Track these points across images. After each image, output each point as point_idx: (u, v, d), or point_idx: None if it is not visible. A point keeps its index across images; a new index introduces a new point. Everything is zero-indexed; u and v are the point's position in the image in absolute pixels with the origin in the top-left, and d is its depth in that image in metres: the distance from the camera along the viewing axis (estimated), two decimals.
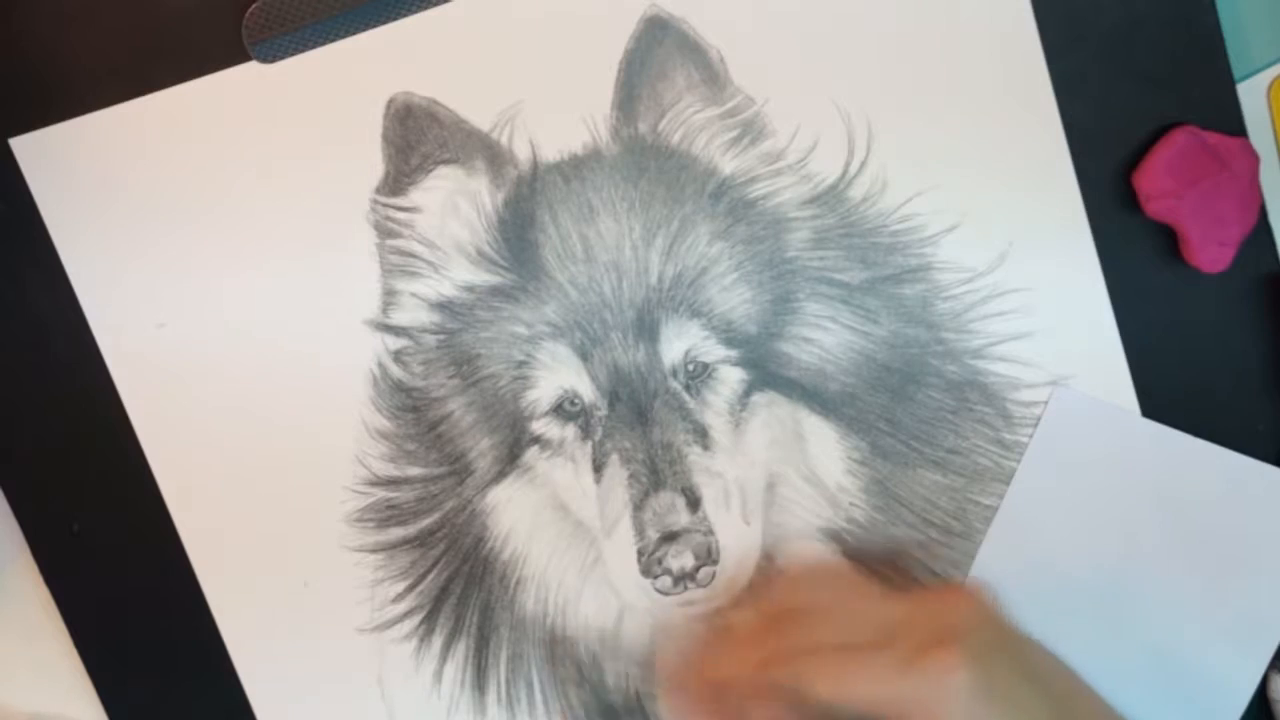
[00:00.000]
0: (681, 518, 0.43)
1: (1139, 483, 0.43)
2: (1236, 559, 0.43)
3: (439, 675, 0.47)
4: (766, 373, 0.44)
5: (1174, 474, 0.43)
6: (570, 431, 0.44)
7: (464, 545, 0.46)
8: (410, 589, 0.46)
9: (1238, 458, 0.43)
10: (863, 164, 0.43)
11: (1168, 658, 0.43)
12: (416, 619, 0.46)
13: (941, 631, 0.36)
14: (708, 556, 0.44)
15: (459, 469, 0.45)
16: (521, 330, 0.44)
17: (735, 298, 0.43)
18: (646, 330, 0.43)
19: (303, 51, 0.43)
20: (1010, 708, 0.34)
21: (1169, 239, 0.42)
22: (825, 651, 0.37)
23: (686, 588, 0.44)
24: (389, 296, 0.45)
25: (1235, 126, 0.42)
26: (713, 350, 0.43)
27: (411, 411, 0.45)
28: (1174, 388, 0.43)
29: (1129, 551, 0.43)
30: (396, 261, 0.44)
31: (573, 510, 0.45)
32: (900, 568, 0.43)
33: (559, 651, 0.46)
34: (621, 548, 0.44)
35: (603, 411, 0.44)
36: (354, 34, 0.43)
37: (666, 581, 0.44)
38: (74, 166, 0.45)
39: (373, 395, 0.45)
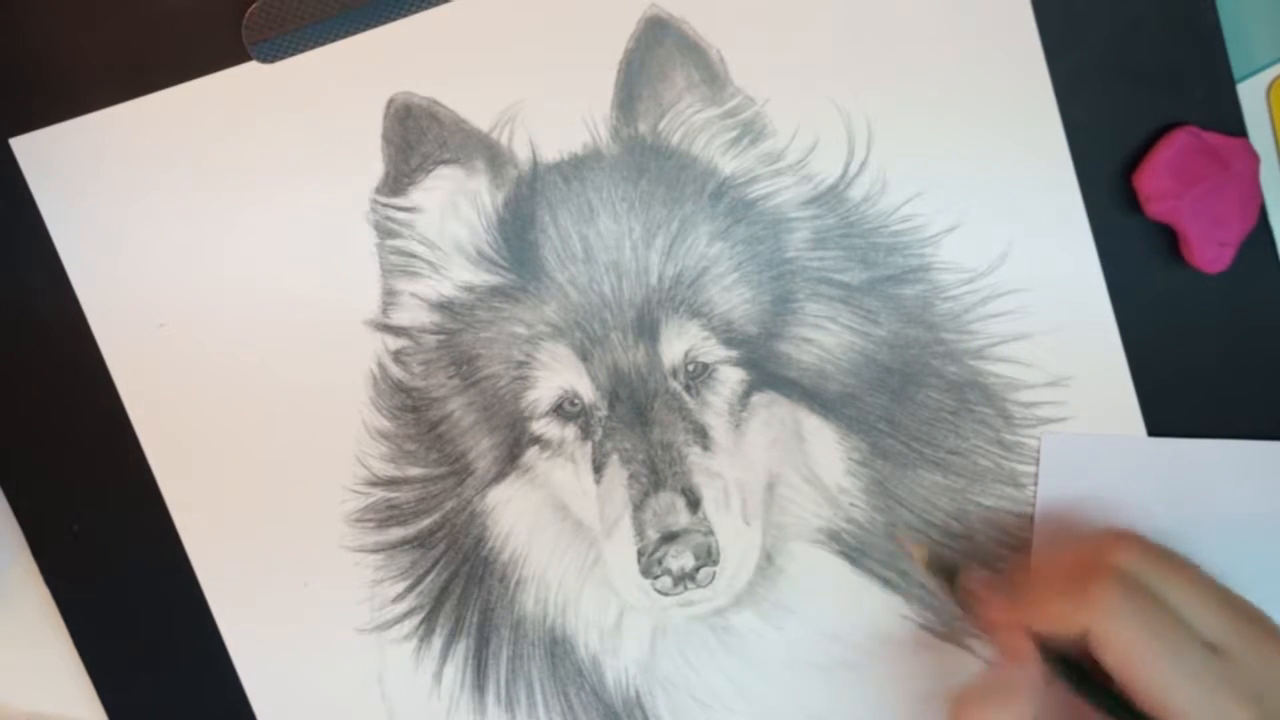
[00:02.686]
0: (681, 518, 0.43)
1: (1150, 499, 0.43)
2: (1261, 541, 0.43)
3: (439, 675, 0.47)
4: (766, 373, 0.44)
5: (1180, 479, 0.43)
6: (570, 432, 0.44)
7: (464, 545, 0.46)
8: (410, 589, 0.46)
9: (1238, 444, 0.43)
10: (863, 164, 0.43)
11: None
12: (416, 619, 0.46)
13: (1097, 566, 0.38)
14: (708, 557, 0.44)
15: (459, 469, 0.45)
16: (521, 330, 0.44)
17: (735, 298, 0.43)
18: (646, 330, 0.43)
19: (303, 51, 0.43)
20: (1164, 609, 0.37)
21: (1169, 239, 0.42)
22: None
23: (686, 588, 0.44)
24: (389, 296, 0.45)
25: (1235, 126, 0.42)
26: (713, 350, 0.43)
27: (411, 411, 0.45)
28: (1174, 388, 0.43)
29: None
30: (396, 261, 0.44)
31: (573, 510, 0.45)
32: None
33: (559, 651, 0.46)
34: (621, 548, 0.44)
35: (603, 412, 0.44)
36: (354, 34, 0.43)
37: (666, 582, 0.44)
38: (74, 166, 0.45)
39: (373, 395, 0.45)
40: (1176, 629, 0.36)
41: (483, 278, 0.44)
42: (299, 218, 0.45)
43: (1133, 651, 0.36)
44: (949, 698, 0.40)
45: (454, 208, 0.44)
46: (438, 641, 0.46)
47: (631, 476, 0.44)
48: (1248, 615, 0.38)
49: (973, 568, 0.43)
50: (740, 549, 0.44)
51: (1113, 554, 0.39)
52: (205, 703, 0.48)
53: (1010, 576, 0.41)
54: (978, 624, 0.42)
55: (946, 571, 0.43)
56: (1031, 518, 0.44)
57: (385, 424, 0.45)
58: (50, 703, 0.49)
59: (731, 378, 0.44)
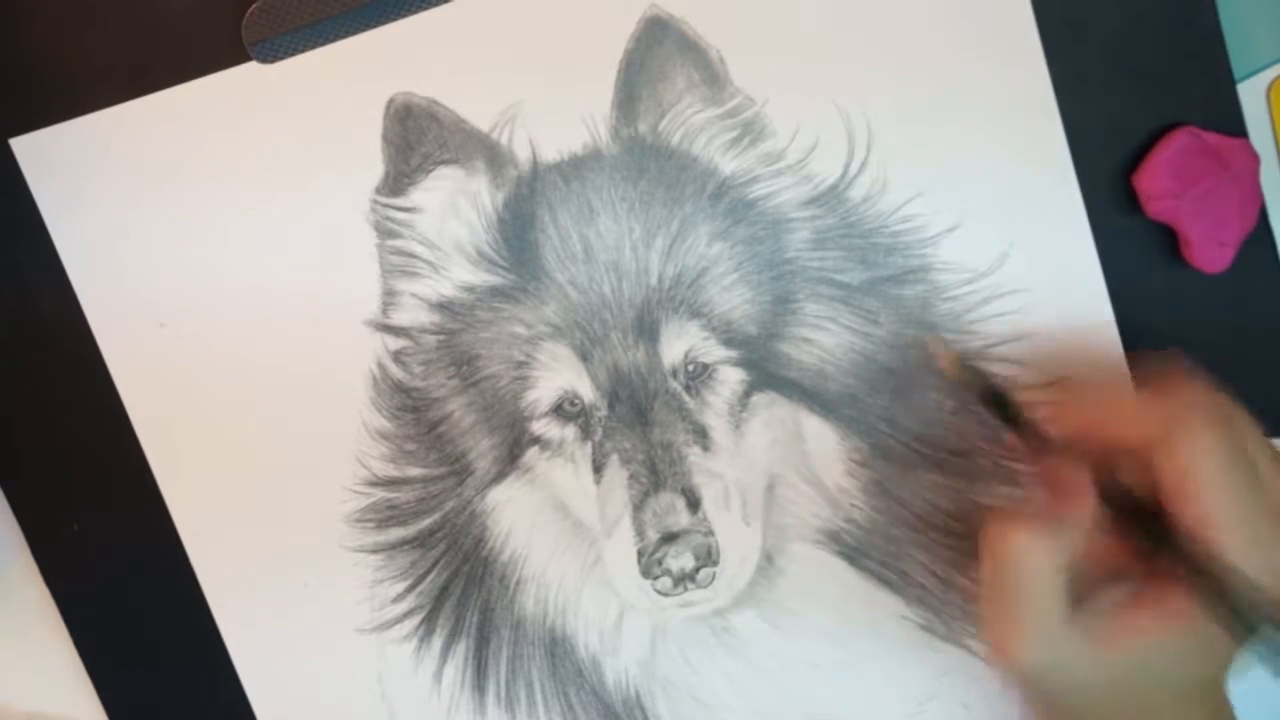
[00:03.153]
0: (681, 519, 0.43)
1: None
2: None
3: (439, 675, 0.47)
4: (766, 373, 0.44)
5: None
6: (570, 432, 0.44)
7: (464, 546, 0.46)
8: (410, 589, 0.46)
9: None
10: (863, 164, 0.43)
11: None
12: (416, 619, 0.46)
13: (1188, 389, 0.37)
14: (708, 557, 0.44)
15: (459, 469, 0.45)
16: (521, 330, 0.44)
17: (735, 298, 0.43)
18: (646, 330, 0.43)
19: (303, 51, 0.43)
20: (1248, 447, 0.36)
21: (1169, 239, 0.42)
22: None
23: (686, 588, 0.44)
24: (389, 297, 0.45)
25: (1235, 126, 0.42)
26: (713, 351, 0.43)
27: (411, 412, 0.45)
28: None
29: None
30: (396, 262, 0.44)
31: (573, 511, 0.45)
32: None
33: (559, 652, 0.46)
34: (621, 548, 0.44)
35: (603, 412, 0.44)
36: (354, 34, 0.43)
37: (666, 582, 0.44)
38: (74, 166, 0.45)
39: (373, 396, 0.45)
40: (1255, 469, 0.35)
41: (483, 278, 0.44)
42: (299, 218, 0.45)
43: (1212, 473, 0.34)
44: (989, 520, 0.38)
45: (454, 208, 0.44)
46: (438, 641, 0.46)
47: (631, 477, 0.44)
48: None
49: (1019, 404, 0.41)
50: (740, 549, 0.44)
51: (1202, 393, 0.37)
52: (205, 703, 0.48)
53: (1068, 396, 0.39)
54: (1025, 448, 0.40)
55: (980, 384, 0.41)
56: None
57: (385, 424, 0.45)
58: (50, 703, 0.49)
59: (731, 378, 0.44)
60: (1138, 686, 0.36)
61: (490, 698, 0.47)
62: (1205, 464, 0.35)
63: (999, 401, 0.40)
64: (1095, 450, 0.37)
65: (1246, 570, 0.34)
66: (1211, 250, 0.42)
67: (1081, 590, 0.36)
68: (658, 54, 0.42)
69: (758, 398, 0.44)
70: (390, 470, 0.46)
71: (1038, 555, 0.36)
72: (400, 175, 0.44)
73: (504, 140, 0.43)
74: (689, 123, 0.43)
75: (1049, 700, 0.38)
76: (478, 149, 0.43)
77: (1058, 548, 0.36)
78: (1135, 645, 0.35)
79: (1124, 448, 0.37)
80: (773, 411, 0.44)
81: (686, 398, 0.44)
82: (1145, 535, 0.36)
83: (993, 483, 0.44)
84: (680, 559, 0.43)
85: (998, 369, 0.43)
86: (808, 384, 0.44)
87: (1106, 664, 0.36)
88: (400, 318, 0.45)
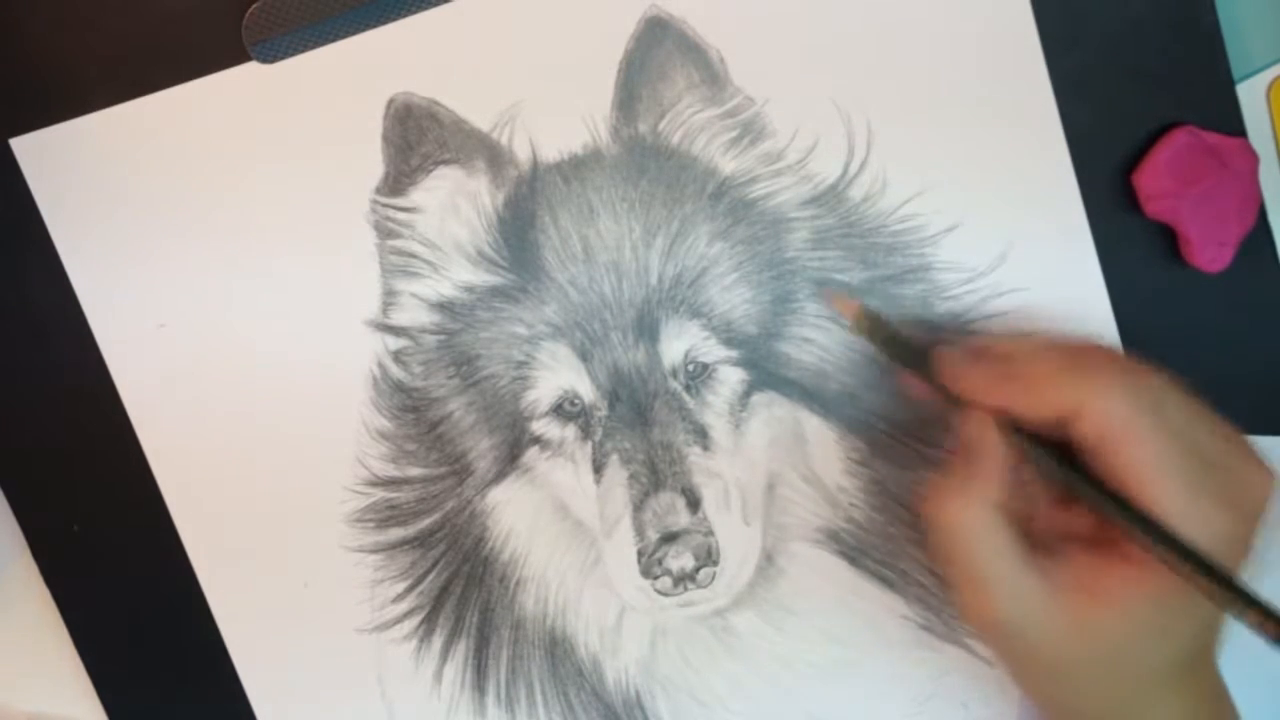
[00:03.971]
0: (681, 518, 0.43)
1: None
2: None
3: (439, 675, 0.47)
4: (766, 373, 0.44)
5: None
6: (570, 432, 0.44)
7: (464, 546, 0.46)
8: (410, 589, 0.46)
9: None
10: (863, 164, 0.43)
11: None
12: (416, 619, 0.46)
13: (1094, 352, 0.38)
14: (708, 557, 0.44)
15: (459, 469, 0.45)
16: (521, 330, 0.44)
17: (735, 298, 0.43)
18: (646, 330, 0.43)
19: (303, 51, 0.43)
20: (1160, 399, 0.36)
21: (1169, 239, 0.42)
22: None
23: (686, 588, 0.44)
24: (389, 297, 0.45)
25: (1235, 126, 0.42)
26: (713, 350, 0.43)
27: (411, 412, 0.45)
28: None
29: None
30: (396, 262, 0.44)
31: (573, 511, 0.45)
32: None
33: (559, 652, 0.46)
34: (621, 548, 0.44)
35: (603, 412, 0.44)
36: (354, 34, 0.43)
37: (666, 582, 0.44)
38: (74, 166, 0.45)
39: (373, 396, 0.45)
40: (1169, 419, 0.35)
41: (483, 278, 0.44)
42: (299, 217, 0.45)
43: (1127, 430, 0.34)
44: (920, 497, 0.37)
45: (454, 208, 0.44)
46: (438, 641, 0.46)
47: (631, 477, 0.44)
48: (1231, 434, 0.37)
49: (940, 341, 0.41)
50: (740, 549, 0.44)
51: (1109, 351, 0.38)
52: (205, 703, 0.48)
53: (984, 354, 0.39)
54: (943, 400, 0.39)
55: (886, 333, 0.41)
56: None
57: (385, 424, 0.45)
58: (50, 703, 0.49)
59: (731, 378, 0.44)
60: (1122, 663, 0.36)
61: (490, 698, 0.47)
62: (1128, 435, 0.35)
63: (908, 351, 0.40)
64: (1012, 411, 0.37)
65: (1189, 528, 0.34)
66: (1211, 249, 0.42)
67: (1037, 543, 0.36)
68: (658, 54, 0.42)
69: (758, 397, 0.44)
70: (390, 470, 0.46)
71: (966, 512, 0.36)
72: (400, 175, 0.44)
73: (504, 140, 0.43)
74: (689, 123, 0.43)
75: (1037, 679, 0.38)
76: (478, 149, 0.43)
77: (983, 500, 0.36)
78: (1107, 600, 0.35)
79: (1044, 411, 0.36)
80: (773, 411, 0.44)
81: (686, 397, 0.44)
82: (1094, 499, 0.36)
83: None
84: (680, 559, 0.43)
85: None
86: (808, 383, 0.44)
87: (1082, 625, 0.35)
88: (400, 318, 0.45)
